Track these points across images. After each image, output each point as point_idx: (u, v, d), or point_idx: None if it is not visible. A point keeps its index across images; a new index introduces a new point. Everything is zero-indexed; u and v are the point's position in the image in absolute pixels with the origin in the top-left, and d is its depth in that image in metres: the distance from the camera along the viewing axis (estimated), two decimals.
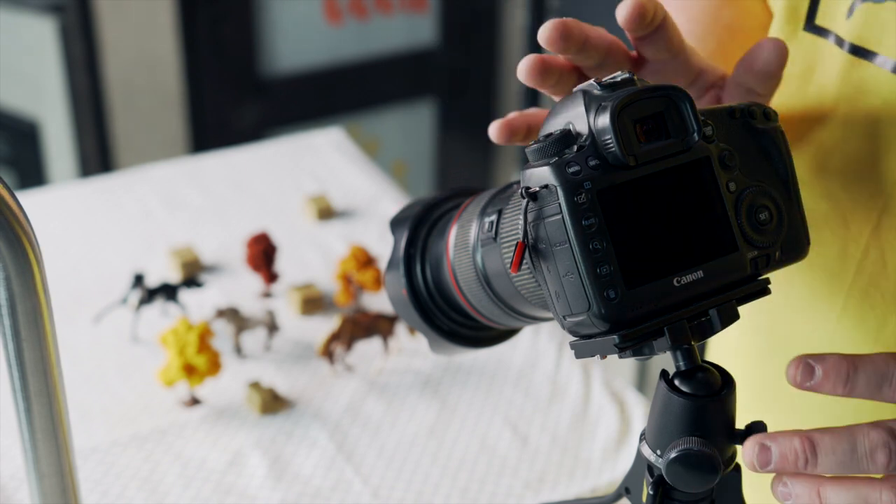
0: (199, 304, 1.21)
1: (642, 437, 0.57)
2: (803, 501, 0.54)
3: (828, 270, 0.71)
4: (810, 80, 0.70)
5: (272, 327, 1.14)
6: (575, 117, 0.54)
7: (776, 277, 0.75)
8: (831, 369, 0.54)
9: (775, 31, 0.72)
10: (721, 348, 0.88)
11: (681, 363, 0.54)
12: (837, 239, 0.70)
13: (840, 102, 0.67)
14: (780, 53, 0.65)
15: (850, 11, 0.66)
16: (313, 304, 1.21)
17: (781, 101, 0.72)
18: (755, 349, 0.81)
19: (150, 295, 1.15)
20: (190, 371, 1.04)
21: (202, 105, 2.39)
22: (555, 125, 0.55)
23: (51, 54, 2.21)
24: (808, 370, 0.54)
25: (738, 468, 0.58)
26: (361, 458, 1.02)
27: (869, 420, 0.66)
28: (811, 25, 0.69)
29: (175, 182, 1.47)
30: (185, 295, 1.21)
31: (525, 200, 0.53)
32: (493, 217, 0.59)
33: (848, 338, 0.71)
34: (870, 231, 0.68)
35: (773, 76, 0.65)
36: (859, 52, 0.66)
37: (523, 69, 0.67)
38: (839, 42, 0.67)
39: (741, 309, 0.78)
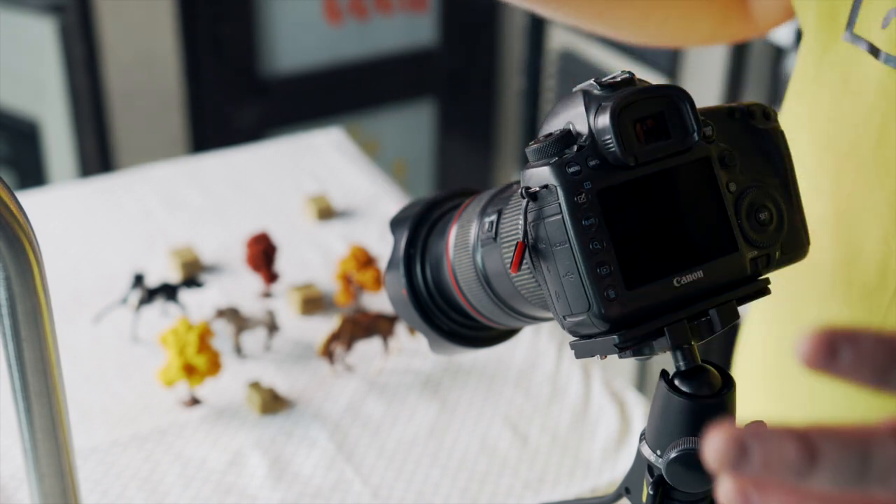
0: (199, 304, 1.21)
1: (642, 437, 0.57)
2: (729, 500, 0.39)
3: (867, 287, 0.70)
4: (846, 90, 0.69)
5: (272, 327, 1.14)
6: (575, 117, 0.54)
7: (790, 281, 0.74)
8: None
9: (814, 39, 0.71)
10: (747, 350, 0.88)
11: (681, 363, 0.54)
12: (877, 253, 0.69)
13: (875, 114, 0.67)
14: None
15: (886, 21, 0.65)
16: (313, 304, 1.21)
17: (818, 108, 0.71)
18: (774, 352, 0.80)
19: (150, 295, 1.15)
20: (190, 371, 1.04)
21: (202, 105, 2.39)
22: (555, 125, 0.55)
23: (51, 54, 2.21)
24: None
25: None
26: (361, 458, 1.02)
27: None
28: (850, 34, 0.68)
29: (175, 182, 1.47)
30: (185, 295, 1.21)
31: (525, 200, 0.53)
32: (493, 217, 0.59)
33: None
34: None
35: None
36: (893, 61, 0.65)
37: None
38: (874, 52, 0.66)
39: (761, 311, 0.77)
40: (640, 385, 2.05)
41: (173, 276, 1.27)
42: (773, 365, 0.81)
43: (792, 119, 0.74)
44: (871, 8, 0.66)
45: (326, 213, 1.40)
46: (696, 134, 0.54)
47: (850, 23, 0.68)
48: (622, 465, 1.02)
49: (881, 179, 0.67)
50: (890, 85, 0.65)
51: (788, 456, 0.37)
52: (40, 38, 2.21)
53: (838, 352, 0.36)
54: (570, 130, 0.54)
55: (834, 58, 0.69)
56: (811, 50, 0.71)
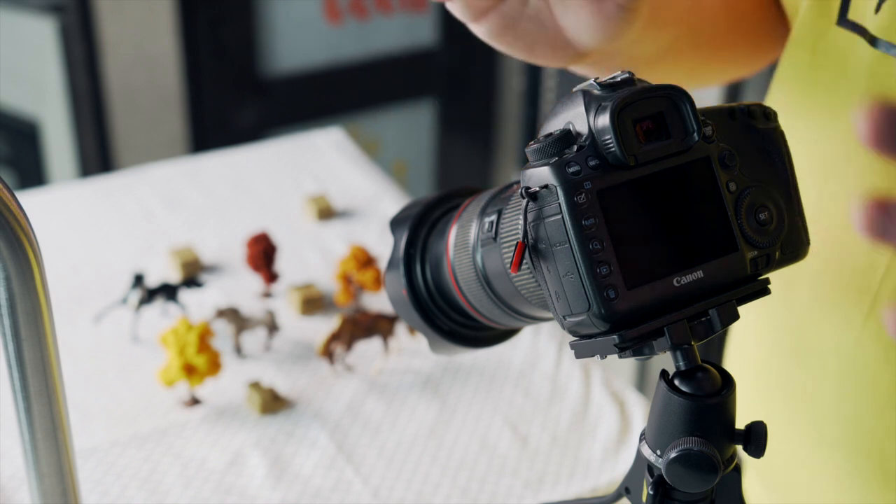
0: (199, 304, 1.21)
1: (642, 437, 0.57)
2: None
3: (856, 274, 0.70)
4: (842, 76, 0.69)
5: (272, 327, 1.14)
6: (575, 117, 0.54)
7: (791, 282, 0.74)
8: None
9: (807, 26, 0.71)
10: (738, 352, 0.88)
11: (681, 363, 0.54)
12: (866, 241, 0.69)
13: (868, 98, 0.67)
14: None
15: (879, 7, 0.65)
16: (313, 304, 1.21)
17: (814, 95, 0.71)
18: (772, 353, 0.81)
19: (150, 295, 1.15)
20: (190, 371, 1.04)
21: (202, 105, 2.39)
22: (555, 125, 0.55)
23: (51, 54, 2.21)
24: None
25: (737, 468, 0.58)
26: (361, 458, 1.02)
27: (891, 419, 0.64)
28: (844, 20, 0.68)
29: (175, 182, 1.47)
30: (185, 295, 1.21)
31: (525, 200, 0.53)
32: (493, 217, 0.59)
33: (873, 343, 0.70)
34: None
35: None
36: (887, 46, 0.65)
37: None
38: (869, 38, 0.66)
39: (758, 313, 0.76)
40: (640, 385, 2.05)
41: (173, 276, 1.27)
42: (764, 350, 0.82)
43: (782, 110, 0.74)
44: None
45: (326, 213, 1.40)
46: (696, 134, 0.54)
47: (844, 8, 0.68)
48: (622, 465, 1.02)
49: (873, 165, 0.68)
50: (884, 71, 0.65)
51: None
52: (40, 38, 2.21)
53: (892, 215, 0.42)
54: (570, 130, 0.54)
55: (828, 45, 0.69)
56: (804, 39, 0.71)
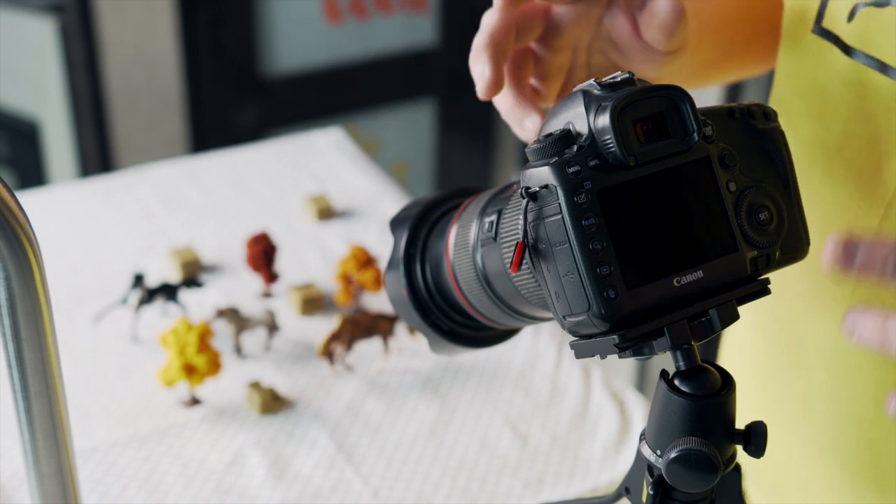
0: (199, 304, 1.21)
1: (642, 437, 0.57)
2: (868, 333, 0.51)
3: (833, 274, 0.70)
4: (816, 83, 0.69)
5: (272, 327, 1.14)
6: (575, 117, 0.54)
7: (784, 282, 0.74)
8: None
9: (786, 30, 0.72)
10: (733, 352, 0.88)
11: (681, 363, 0.54)
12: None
13: (841, 107, 0.67)
14: (676, 13, 0.64)
15: (852, 15, 0.65)
16: (313, 304, 1.21)
17: (790, 101, 0.72)
18: (766, 353, 0.81)
19: (150, 295, 1.15)
20: (190, 371, 1.04)
21: (202, 105, 2.39)
22: (555, 125, 0.55)
23: (51, 54, 2.21)
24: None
25: (737, 468, 0.58)
26: (361, 458, 1.02)
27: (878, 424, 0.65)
28: (819, 28, 0.68)
29: (175, 182, 1.47)
30: (185, 295, 1.21)
31: (525, 200, 0.53)
32: (493, 217, 0.59)
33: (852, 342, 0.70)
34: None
35: (669, 34, 0.65)
36: (860, 56, 0.65)
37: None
38: (841, 45, 0.66)
39: (753, 313, 0.77)
40: (640, 385, 2.05)
41: (173, 276, 1.27)
42: (757, 352, 0.82)
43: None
44: (839, 1, 0.66)
45: (326, 213, 1.40)
46: (696, 134, 0.54)
47: (819, 16, 0.68)
48: (622, 465, 1.02)
49: (846, 172, 0.68)
50: (855, 79, 0.66)
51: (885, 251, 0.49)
52: (40, 38, 2.21)
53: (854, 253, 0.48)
54: (570, 130, 0.54)
55: (803, 51, 0.70)
56: (784, 44, 0.72)
